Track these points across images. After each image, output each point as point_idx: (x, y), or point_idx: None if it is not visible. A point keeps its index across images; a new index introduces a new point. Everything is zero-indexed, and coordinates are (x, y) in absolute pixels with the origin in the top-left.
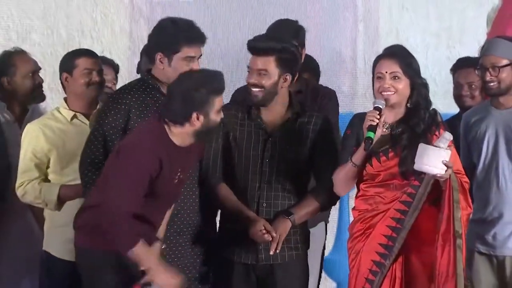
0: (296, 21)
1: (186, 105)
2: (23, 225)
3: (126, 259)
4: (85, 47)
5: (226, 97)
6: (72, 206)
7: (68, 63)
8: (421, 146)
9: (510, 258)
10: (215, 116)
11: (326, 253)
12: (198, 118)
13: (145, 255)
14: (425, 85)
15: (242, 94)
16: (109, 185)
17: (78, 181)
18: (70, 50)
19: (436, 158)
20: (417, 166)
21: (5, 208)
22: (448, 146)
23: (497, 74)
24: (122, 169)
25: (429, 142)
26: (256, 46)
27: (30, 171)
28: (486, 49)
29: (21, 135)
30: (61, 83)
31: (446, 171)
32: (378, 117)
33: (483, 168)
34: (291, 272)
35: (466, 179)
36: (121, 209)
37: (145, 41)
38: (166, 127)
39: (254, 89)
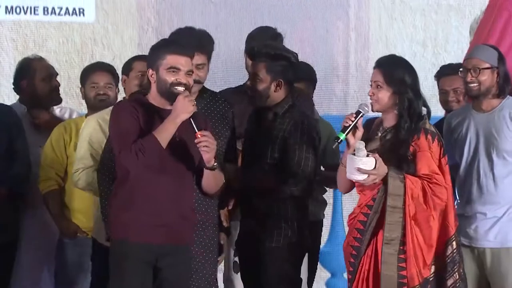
0: (275, 28)
1: (147, 63)
2: (41, 218)
3: (151, 252)
4: (97, 54)
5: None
6: None
7: (126, 66)
8: (348, 157)
9: (489, 250)
10: (165, 75)
11: (321, 245)
12: (152, 75)
13: (162, 128)
14: (410, 97)
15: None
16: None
17: None
18: (83, 57)
19: (351, 166)
20: (347, 175)
21: (25, 203)
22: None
23: (478, 75)
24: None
25: (407, 150)
26: (251, 52)
27: (85, 159)
28: (470, 53)
29: (41, 138)
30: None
31: (368, 177)
32: (353, 119)
33: (465, 167)
34: (260, 261)
35: (436, 181)
36: (123, 151)
37: None
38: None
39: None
